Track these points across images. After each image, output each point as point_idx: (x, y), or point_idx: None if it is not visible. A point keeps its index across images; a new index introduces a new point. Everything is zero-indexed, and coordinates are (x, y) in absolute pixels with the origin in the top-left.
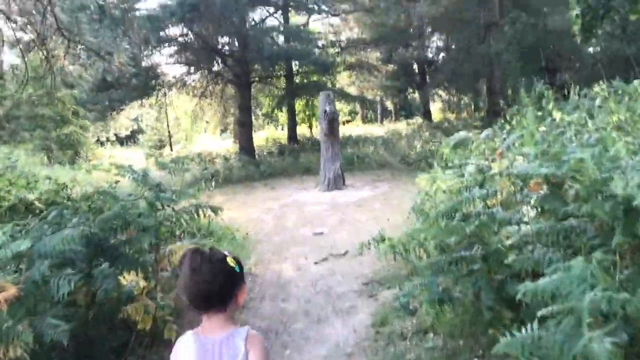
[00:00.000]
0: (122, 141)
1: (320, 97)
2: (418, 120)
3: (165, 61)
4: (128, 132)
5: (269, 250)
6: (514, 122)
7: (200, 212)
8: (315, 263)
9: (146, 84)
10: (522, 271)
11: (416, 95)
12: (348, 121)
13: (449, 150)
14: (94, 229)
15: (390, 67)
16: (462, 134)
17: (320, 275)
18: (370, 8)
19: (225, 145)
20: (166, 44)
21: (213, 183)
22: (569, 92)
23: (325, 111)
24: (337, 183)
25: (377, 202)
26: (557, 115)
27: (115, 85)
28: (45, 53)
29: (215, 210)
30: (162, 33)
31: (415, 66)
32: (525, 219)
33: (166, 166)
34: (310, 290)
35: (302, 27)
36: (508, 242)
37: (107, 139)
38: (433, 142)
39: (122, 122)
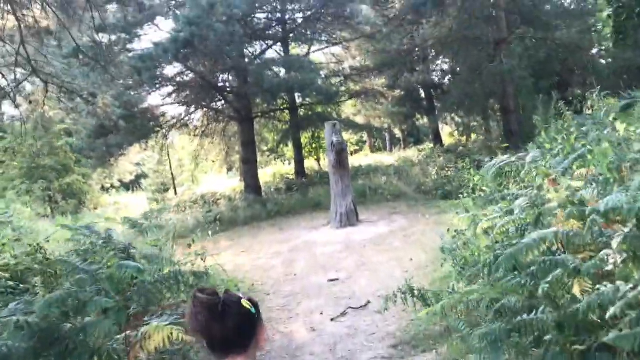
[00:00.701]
0: (127, 186)
1: (326, 128)
2: (429, 145)
3: (163, 101)
4: (132, 177)
5: (277, 304)
6: (559, 140)
7: (189, 276)
8: (332, 320)
9: (144, 126)
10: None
11: (424, 120)
12: (356, 151)
13: (490, 180)
14: (35, 318)
15: (397, 92)
16: (503, 158)
17: (340, 337)
18: (371, 34)
19: (232, 184)
20: (162, 84)
21: (217, 227)
22: (582, 107)
23: (332, 142)
24: (350, 219)
25: (396, 239)
26: (620, 126)
27: (112, 130)
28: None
29: (199, 276)
30: (157, 72)
31: (421, 91)
32: (609, 268)
33: (135, 225)
34: (329, 357)
35: (302, 58)
36: (608, 313)
37: (112, 186)
38: (449, 167)
39: (126, 167)
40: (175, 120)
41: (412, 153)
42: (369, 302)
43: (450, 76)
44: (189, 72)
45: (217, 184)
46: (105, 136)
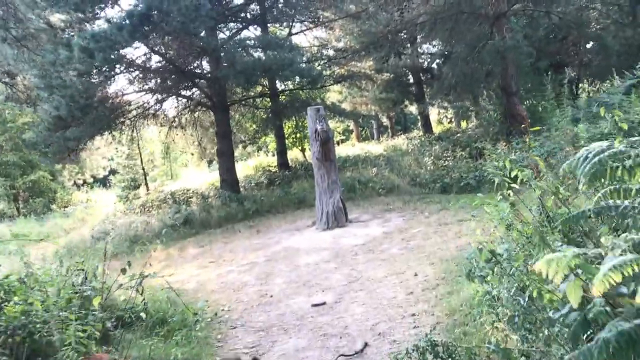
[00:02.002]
0: (103, 182)
1: (309, 114)
2: (418, 134)
3: (125, 89)
4: (106, 173)
5: (245, 344)
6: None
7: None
8: None
9: (105, 116)
10: None
11: (413, 107)
12: (342, 141)
13: (584, 181)
14: None
15: (386, 75)
16: (600, 146)
17: None
18: (356, 14)
19: (213, 178)
20: (123, 69)
21: (185, 230)
22: (576, 90)
23: (316, 130)
24: (338, 219)
25: (393, 244)
26: None
27: (70, 123)
28: None
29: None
30: (115, 54)
31: (409, 76)
32: None
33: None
34: None
35: (281, 38)
36: None
37: (84, 182)
38: (445, 157)
39: (99, 162)
40: (142, 110)
41: (401, 141)
42: (366, 344)
43: (440, 60)
44: (154, 54)
45: (195, 179)
46: (63, 129)
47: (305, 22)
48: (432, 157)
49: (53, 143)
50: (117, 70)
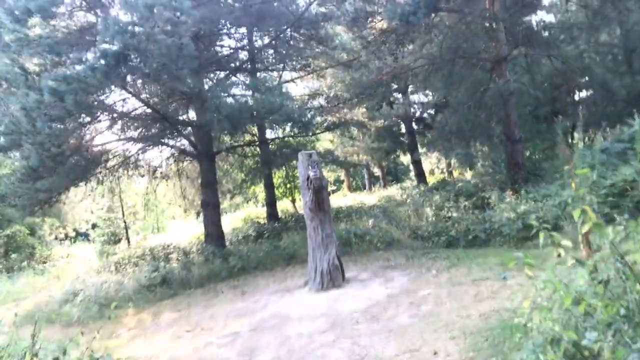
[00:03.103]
0: (86, 236)
1: (300, 159)
2: (411, 183)
3: (105, 136)
4: (89, 226)
5: None
6: None
7: None
8: None
9: (82, 166)
10: None
11: (405, 157)
12: (334, 191)
13: None
14: None
15: (380, 122)
16: None
17: None
18: (347, 62)
19: (199, 230)
20: (99, 114)
21: (162, 291)
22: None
23: (308, 177)
24: (334, 278)
25: (400, 310)
26: None
27: (41, 172)
28: None
29: None
30: (89, 98)
31: (402, 125)
32: None
33: None
34: None
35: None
36: None
37: (66, 236)
38: (448, 207)
39: (81, 215)
40: (122, 160)
41: (394, 191)
42: None
43: (433, 109)
44: (134, 98)
45: (181, 232)
46: (35, 180)
47: (295, 71)
48: (433, 208)
49: (22, 195)
50: (93, 117)
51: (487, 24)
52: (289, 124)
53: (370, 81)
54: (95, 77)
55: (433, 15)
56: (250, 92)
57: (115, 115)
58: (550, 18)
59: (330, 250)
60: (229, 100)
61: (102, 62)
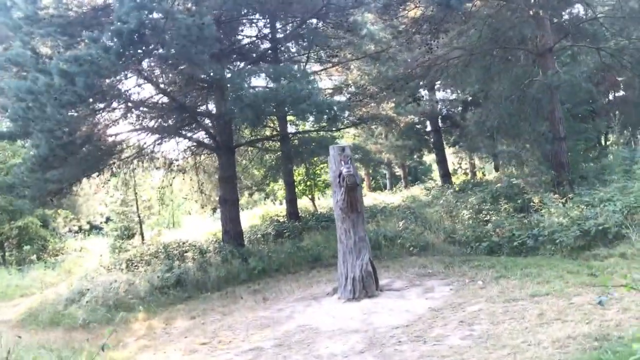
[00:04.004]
0: (100, 229)
1: (331, 154)
2: (435, 183)
3: (120, 126)
4: (104, 219)
5: None
6: None
7: None
8: None
9: (94, 156)
10: None
11: (430, 156)
12: None
13: None
14: None
15: (410, 118)
16: None
17: None
18: (375, 54)
19: (215, 227)
20: (112, 100)
21: (177, 293)
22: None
23: (341, 174)
24: (366, 286)
25: (449, 329)
26: None
27: (51, 161)
28: None
29: None
30: (102, 82)
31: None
32: None
33: None
34: None
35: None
36: None
37: (80, 229)
38: (487, 210)
39: (96, 207)
40: (137, 151)
41: (418, 192)
42: None
43: (459, 107)
44: (150, 85)
45: (196, 228)
46: (46, 170)
47: (321, 62)
48: (469, 210)
49: (32, 185)
50: (106, 103)
51: (533, 12)
52: (315, 116)
53: (400, 74)
54: (108, 59)
55: (474, 1)
56: (273, 83)
57: (130, 103)
58: (598, 8)
59: (363, 255)
60: (252, 87)
61: (116, 41)
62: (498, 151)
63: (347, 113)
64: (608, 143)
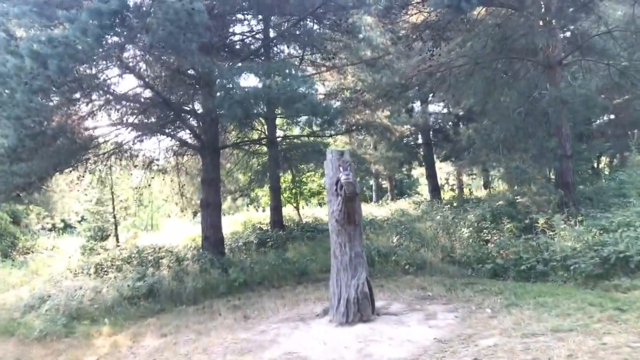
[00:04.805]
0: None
1: (329, 158)
2: (424, 198)
3: (98, 119)
4: (79, 218)
5: None
6: None
7: None
8: None
9: (68, 150)
10: None
11: (418, 169)
12: None
13: None
14: None
15: (406, 128)
16: None
17: None
18: (371, 61)
19: (195, 232)
20: (88, 89)
21: (147, 305)
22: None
23: (338, 181)
24: (362, 309)
25: None
26: None
27: (20, 153)
28: None
29: None
30: (79, 69)
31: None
32: None
33: None
34: None
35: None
36: None
37: (54, 226)
38: (489, 229)
39: (71, 205)
40: (115, 147)
41: (406, 206)
42: None
43: (451, 122)
44: (130, 76)
45: (175, 232)
46: (11, 162)
47: (315, 65)
48: (469, 229)
49: None
50: (83, 93)
51: (544, 21)
52: (309, 119)
53: (396, 83)
54: (86, 42)
55: (481, 8)
56: (266, 80)
57: (110, 95)
58: (611, 22)
59: (359, 273)
60: (243, 84)
61: (95, 22)
62: (505, 166)
63: (341, 119)
64: (600, 166)
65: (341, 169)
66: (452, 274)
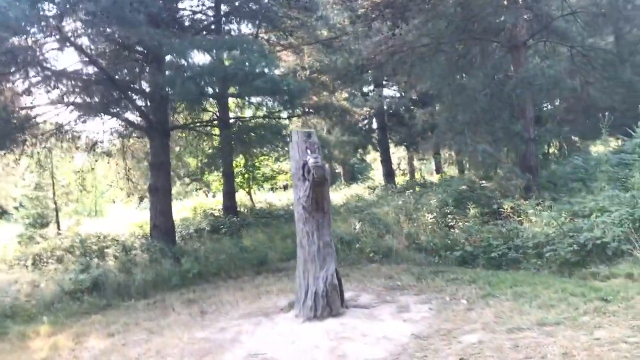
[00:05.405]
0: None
1: (294, 140)
2: (378, 183)
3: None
4: (17, 204)
5: None
6: None
7: None
8: None
9: (3, 130)
10: None
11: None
12: (286, 187)
13: None
14: None
15: (365, 110)
16: None
17: None
18: (327, 41)
19: (144, 218)
20: (25, 65)
21: (91, 300)
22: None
23: (305, 164)
24: (330, 303)
25: None
26: None
27: None
28: None
29: None
30: (11, 41)
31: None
32: None
33: None
34: None
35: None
36: None
37: None
38: (455, 216)
39: (7, 190)
40: (55, 128)
41: (361, 191)
42: None
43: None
44: (69, 46)
45: (121, 220)
46: None
47: (270, 44)
48: (433, 215)
49: None
50: (17, 67)
51: (507, 1)
52: (264, 100)
53: (353, 65)
54: (19, 9)
55: None
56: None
57: (48, 71)
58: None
59: (328, 265)
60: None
61: None
62: (472, 149)
63: (301, 100)
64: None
65: (309, 151)
66: (419, 262)
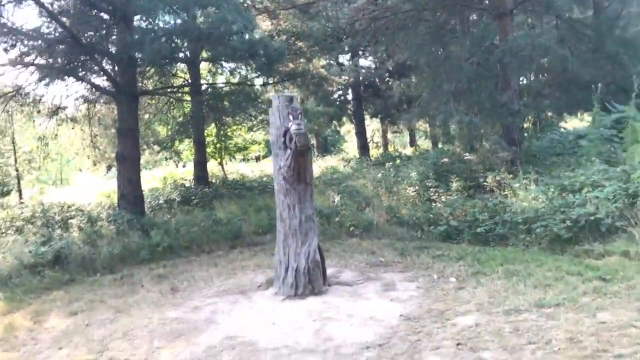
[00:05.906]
0: None
1: (275, 105)
2: (351, 155)
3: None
4: None
5: None
6: None
7: None
8: None
9: None
10: None
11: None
12: (257, 158)
13: None
14: None
15: (343, 79)
16: None
17: None
18: (304, 5)
19: (110, 188)
20: None
21: (54, 275)
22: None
23: (287, 132)
24: (313, 280)
25: (447, 356)
26: None
27: None
28: None
29: None
30: None
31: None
32: None
33: None
34: None
35: None
36: None
37: None
38: (437, 190)
39: None
40: (15, 92)
41: (335, 163)
42: None
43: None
44: (32, 5)
45: (87, 189)
46: None
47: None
48: (415, 188)
49: None
50: None
51: None
52: (247, 60)
53: (331, 31)
54: None
55: None
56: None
57: (4, 28)
58: None
59: (310, 240)
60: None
61: None
62: (458, 121)
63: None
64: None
65: (291, 117)
66: (402, 237)
